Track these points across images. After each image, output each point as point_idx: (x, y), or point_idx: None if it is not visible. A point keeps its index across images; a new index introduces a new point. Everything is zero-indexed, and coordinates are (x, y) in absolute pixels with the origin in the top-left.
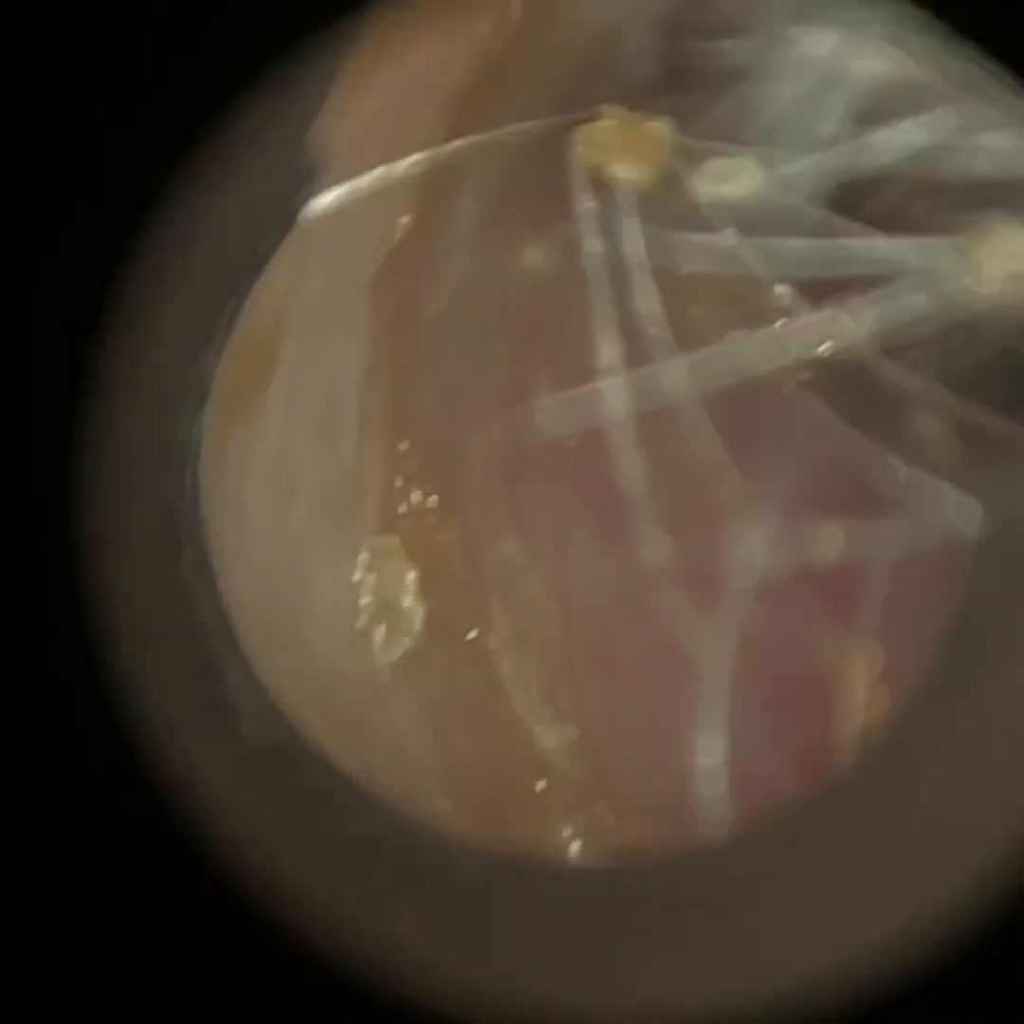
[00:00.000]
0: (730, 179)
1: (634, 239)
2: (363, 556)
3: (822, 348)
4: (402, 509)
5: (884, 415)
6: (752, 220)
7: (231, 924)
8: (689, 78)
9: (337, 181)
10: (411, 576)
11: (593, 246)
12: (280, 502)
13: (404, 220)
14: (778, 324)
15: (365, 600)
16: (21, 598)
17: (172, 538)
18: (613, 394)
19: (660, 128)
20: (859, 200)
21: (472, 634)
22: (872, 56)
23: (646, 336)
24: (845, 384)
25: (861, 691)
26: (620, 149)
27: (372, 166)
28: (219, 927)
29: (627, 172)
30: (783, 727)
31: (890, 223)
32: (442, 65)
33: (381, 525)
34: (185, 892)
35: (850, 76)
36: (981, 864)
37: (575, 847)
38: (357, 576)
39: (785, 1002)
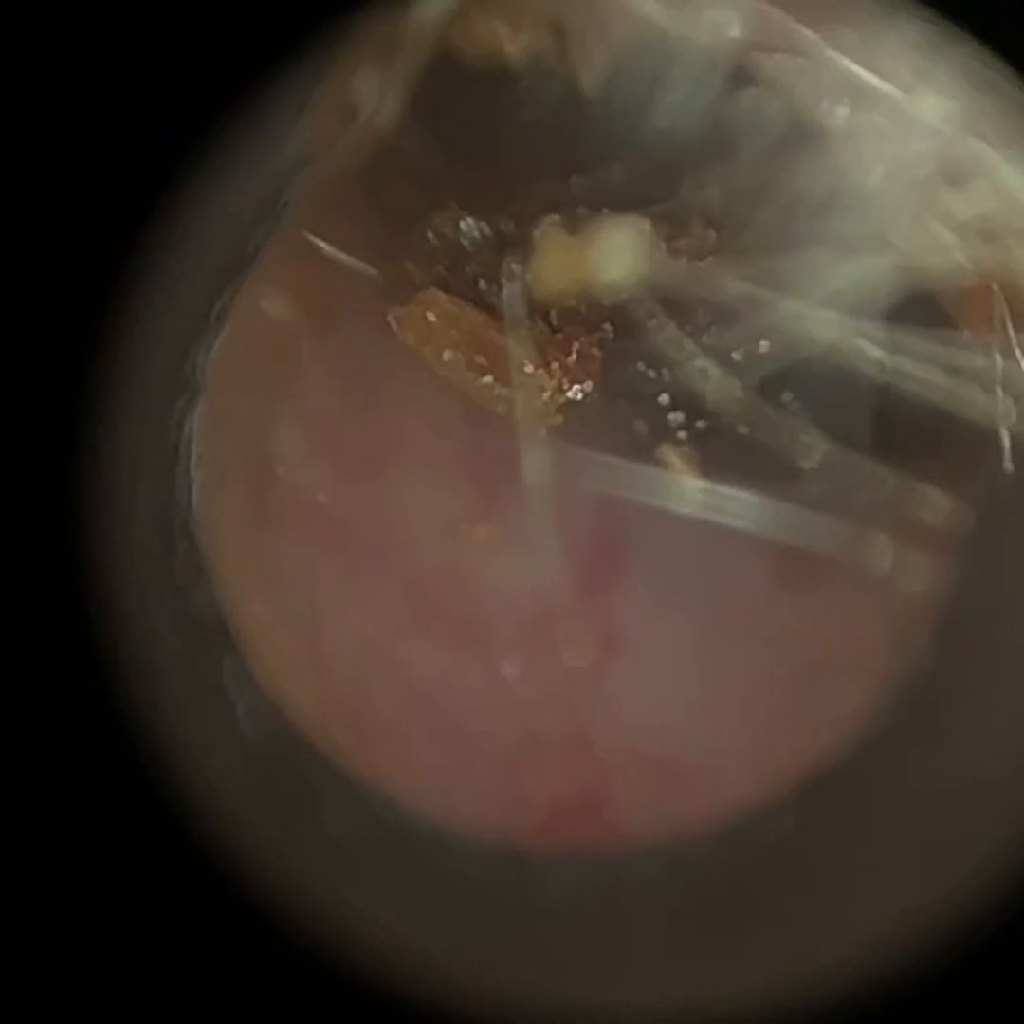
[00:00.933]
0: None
1: None
2: None
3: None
4: None
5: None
6: None
7: (229, 914)
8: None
9: None
10: None
11: None
12: None
13: None
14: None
15: None
16: (21, 594)
17: (166, 535)
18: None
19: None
20: None
21: None
22: None
23: None
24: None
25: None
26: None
27: None
28: (217, 917)
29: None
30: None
31: None
32: None
33: None
34: (183, 883)
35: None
36: (978, 860)
37: None
38: None
39: (783, 999)
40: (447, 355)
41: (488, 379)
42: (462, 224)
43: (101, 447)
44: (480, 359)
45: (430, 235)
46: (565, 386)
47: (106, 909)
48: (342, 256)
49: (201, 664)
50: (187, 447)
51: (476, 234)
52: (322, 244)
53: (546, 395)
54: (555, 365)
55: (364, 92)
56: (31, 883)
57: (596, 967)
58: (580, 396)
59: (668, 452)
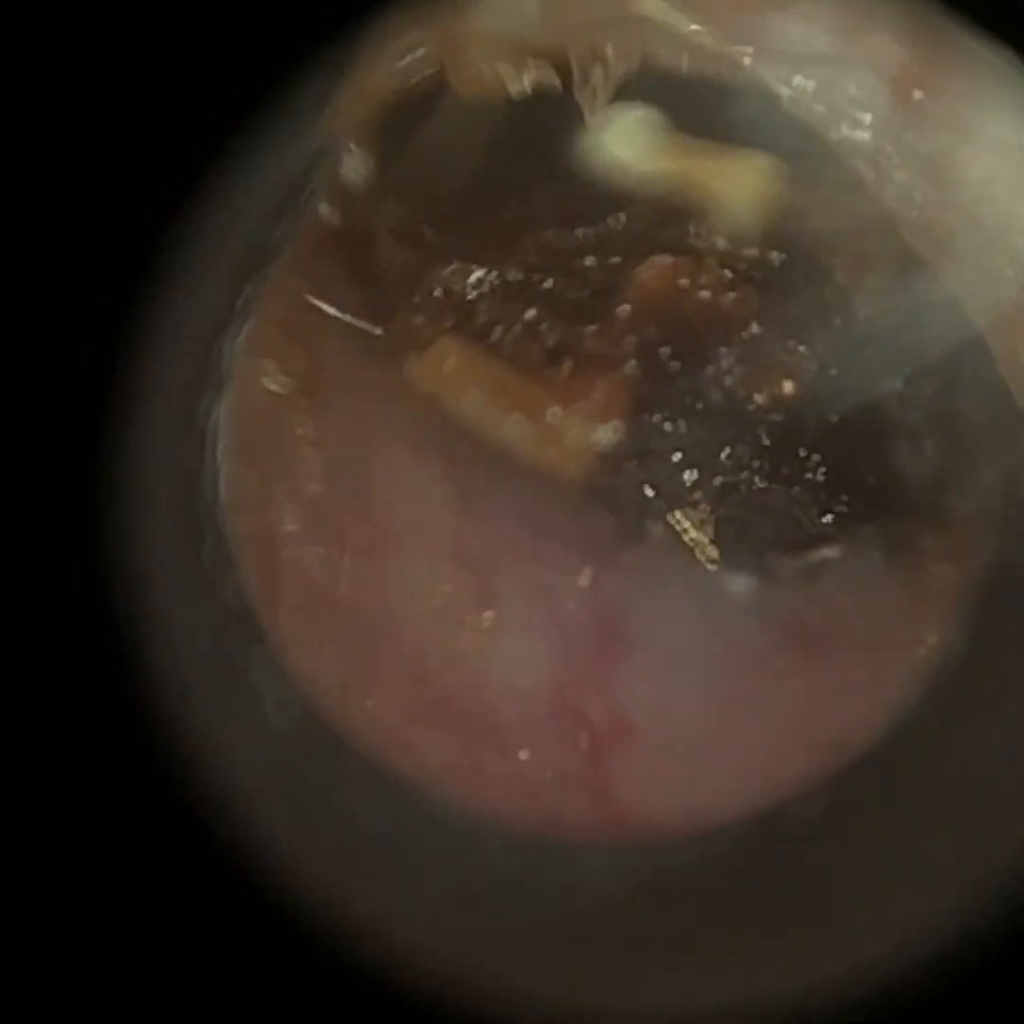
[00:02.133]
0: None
1: None
2: None
3: None
4: None
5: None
6: None
7: (255, 904)
8: None
9: None
10: None
11: None
12: None
13: None
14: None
15: None
16: (49, 587)
17: (194, 526)
18: None
19: None
20: None
21: None
22: None
23: None
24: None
25: None
26: None
27: None
28: (244, 908)
29: None
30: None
31: None
32: None
33: None
34: (211, 874)
35: None
36: (1012, 849)
37: None
38: None
39: (815, 988)
40: (468, 398)
41: (515, 417)
42: (470, 277)
43: (129, 440)
44: (503, 401)
45: (438, 290)
46: (591, 426)
47: (131, 899)
48: (346, 317)
49: (229, 656)
50: (213, 438)
51: (485, 286)
52: (325, 306)
53: (572, 437)
54: (580, 405)
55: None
56: (54, 872)
57: (627, 957)
58: (607, 436)
59: (681, 518)
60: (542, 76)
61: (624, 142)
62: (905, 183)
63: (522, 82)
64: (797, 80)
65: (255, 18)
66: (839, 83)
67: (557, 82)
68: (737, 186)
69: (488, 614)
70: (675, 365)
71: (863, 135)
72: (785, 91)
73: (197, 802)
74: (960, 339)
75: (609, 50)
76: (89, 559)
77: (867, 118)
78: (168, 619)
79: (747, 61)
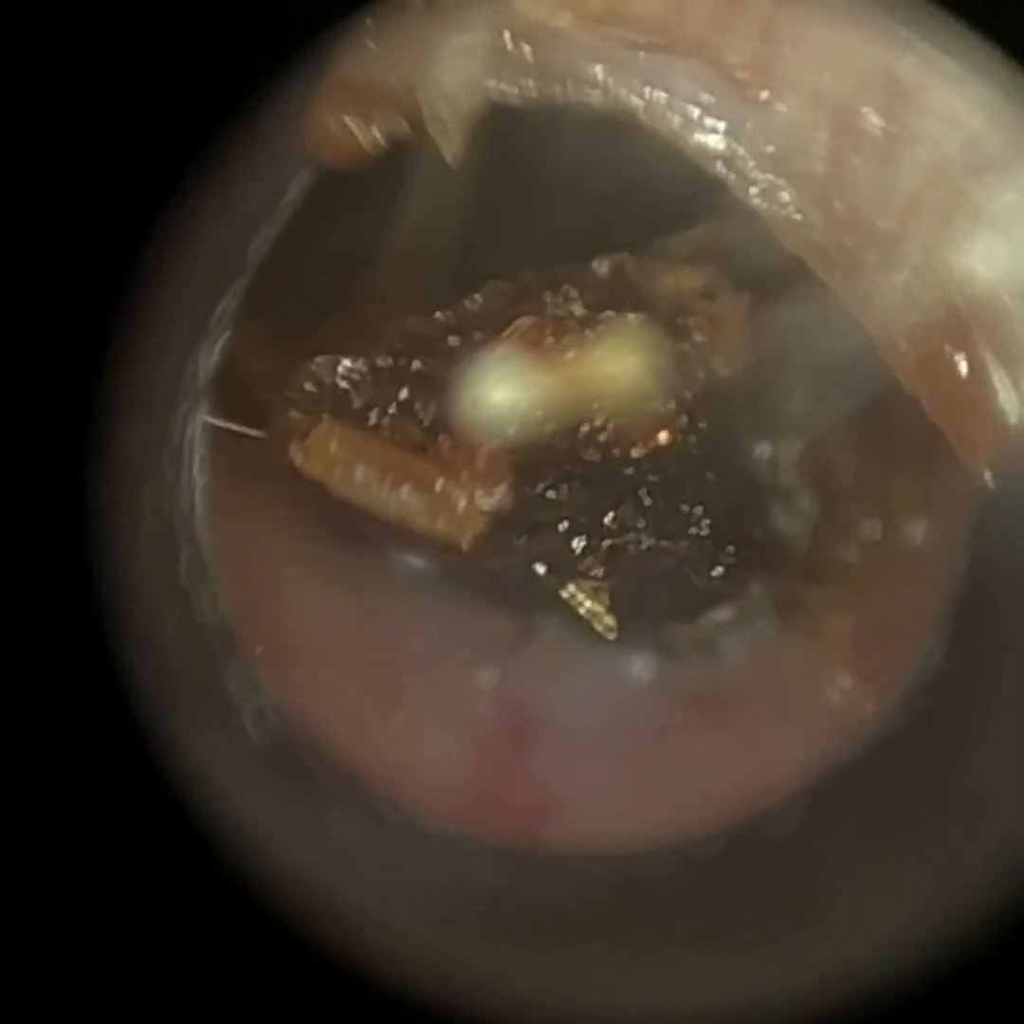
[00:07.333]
0: None
1: None
2: None
3: None
4: None
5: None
6: None
7: (235, 914)
8: None
9: None
10: None
11: None
12: None
13: None
14: None
15: None
16: (29, 600)
17: (171, 539)
18: None
19: None
20: None
21: None
22: None
23: None
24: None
25: None
26: None
27: None
28: (224, 918)
29: None
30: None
31: None
32: None
33: None
34: (191, 885)
35: None
36: (985, 865)
37: None
38: None
39: (789, 998)
40: (358, 474)
41: (406, 488)
42: (339, 367)
43: (106, 452)
44: (392, 474)
45: (308, 384)
46: (479, 493)
47: (114, 910)
48: (227, 425)
49: (207, 668)
50: (190, 451)
51: (355, 374)
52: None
53: (462, 505)
54: (465, 474)
55: None
56: (38, 884)
57: (604, 966)
58: (496, 500)
59: (575, 591)
60: (392, 124)
61: (500, 386)
62: (767, 182)
63: (372, 133)
64: (649, 91)
65: (229, 30)
66: (690, 90)
67: (407, 128)
68: (623, 370)
69: (400, 716)
70: (550, 426)
71: (717, 141)
72: (638, 103)
73: (173, 811)
74: (823, 390)
75: (451, 83)
76: (68, 571)
77: (721, 125)
78: (146, 632)
79: (599, 77)
